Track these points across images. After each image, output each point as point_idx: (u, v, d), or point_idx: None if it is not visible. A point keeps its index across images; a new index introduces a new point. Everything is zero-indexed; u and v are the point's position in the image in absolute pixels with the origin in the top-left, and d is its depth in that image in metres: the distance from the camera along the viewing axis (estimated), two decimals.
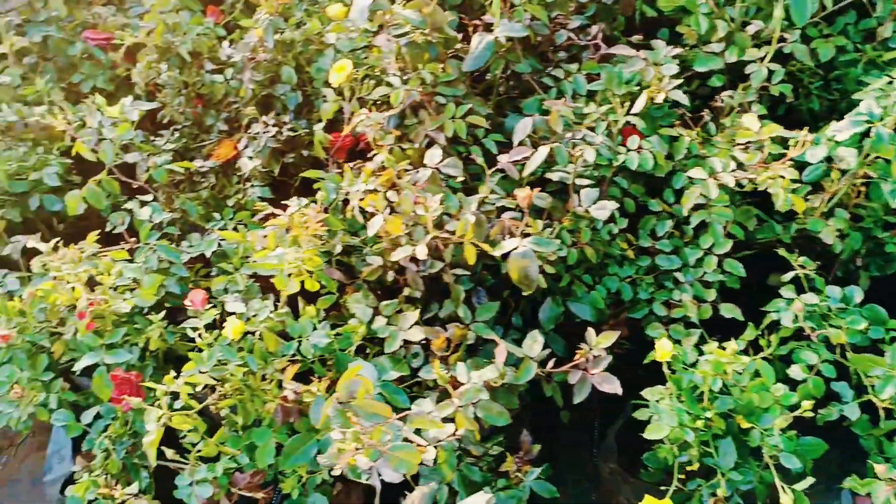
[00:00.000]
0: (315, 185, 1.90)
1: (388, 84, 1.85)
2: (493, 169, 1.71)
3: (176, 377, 1.44)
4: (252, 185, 1.96)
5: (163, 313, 1.67)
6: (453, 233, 1.57)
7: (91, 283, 1.61)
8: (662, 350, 1.45)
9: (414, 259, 1.58)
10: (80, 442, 1.69)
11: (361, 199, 1.60)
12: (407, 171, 1.66)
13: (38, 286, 1.60)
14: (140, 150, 1.93)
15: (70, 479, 1.74)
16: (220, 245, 1.79)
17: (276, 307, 1.61)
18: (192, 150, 2.18)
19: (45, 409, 1.62)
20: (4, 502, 2.10)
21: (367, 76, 1.93)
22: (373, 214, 1.59)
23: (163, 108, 2.11)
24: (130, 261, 1.67)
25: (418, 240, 1.57)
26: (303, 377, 1.55)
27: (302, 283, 1.54)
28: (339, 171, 1.95)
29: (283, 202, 1.72)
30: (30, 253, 1.84)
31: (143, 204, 1.85)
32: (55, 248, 1.62)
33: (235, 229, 1.91)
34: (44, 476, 1.78)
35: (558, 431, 1.93)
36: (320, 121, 2.07)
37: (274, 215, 1.66)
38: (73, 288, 1.55)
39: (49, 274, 1.61)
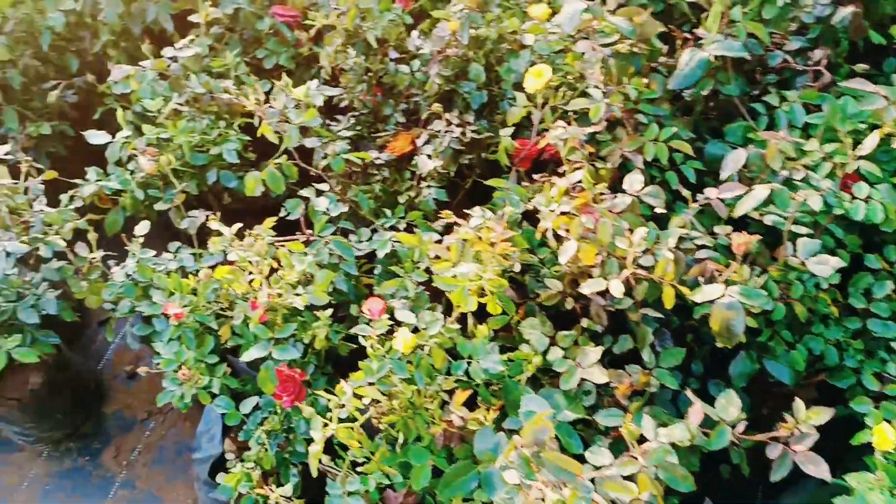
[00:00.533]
0: (495, 194, 1.82)
1: (587, 95, 1.73)
2: (696, 202, 1.56)
3: (342, 385, 1.38)
4: (428, 186, 1.88)
5: (330, 311, 1.62)
6: (650, 270, 1.44)
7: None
8: (882, 437, 1.28)
9: (601, 292, 1.47)
10: (230, 425, 1.68)
11: (554, 221, 1.50)
12: (603, 195, 1.54)
13: (214, 266, 1.58)
14: (318, 135, 1.89)
15: (218, 462, 1.74)
16: (392, 246, 1.72)
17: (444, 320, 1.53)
18: (366, 139, 2.13)
19: (207, 394, 1.61)
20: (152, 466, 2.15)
21: (561, 84, 1.82)
22: (564, 238, 1.48)
23: (344, 92, 2.06)
24: (305, 254, 1.63)
25: (610, 272, 1.46)
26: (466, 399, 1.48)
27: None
28: (522, 180, 1.86)
29: (464, 211, 1.64)
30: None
31: (320, 193, 1.82)
32: (239, 236, 1.59)
33: (407, 229, 1.84)
34: (192, 453, 1.78)
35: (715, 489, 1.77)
36: (503, 124, 1.98)
37: (456, 225, 1.58)
38: (252, 279, 1.52)
39: (226, 255, 1.59)
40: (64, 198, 1.90)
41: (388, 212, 1.91)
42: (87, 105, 2.36)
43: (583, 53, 1.76)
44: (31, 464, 2.17)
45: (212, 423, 1.82)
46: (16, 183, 1.74)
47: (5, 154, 1.75)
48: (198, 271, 1.83)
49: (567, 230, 1.48)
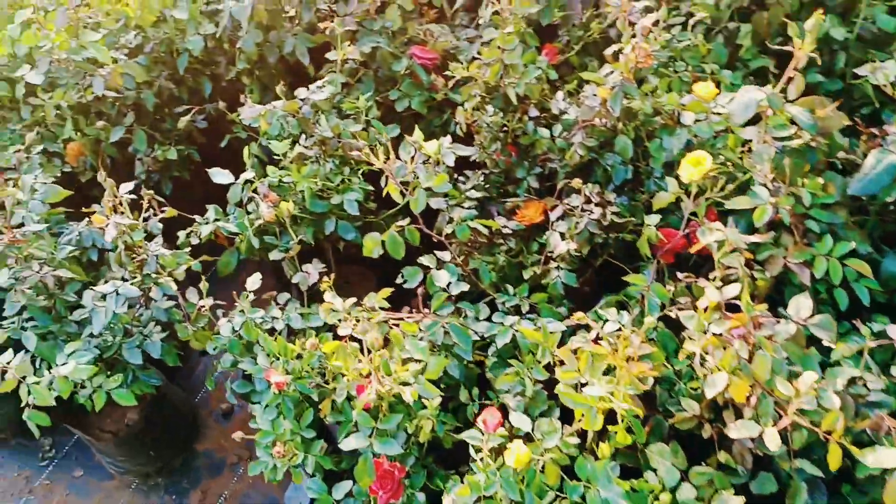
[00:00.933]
0: (631, 288, 1.65)
1: (749, 190, 1.54)
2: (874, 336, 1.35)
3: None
4: (557, 267, 1.73)
5: (438, 401, 1.50)
6: (811, 416, 1.24)
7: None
8: None
9: None
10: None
11: (703, 344, 1.32)
12: (762, 319, 1.35)
13: (321, 329, 1.49)
14: (449, 196, 1.77)
15: None
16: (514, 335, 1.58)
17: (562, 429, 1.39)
18: (493, 200, 2.00)
19: (300, 472, 1.52)
20: None
21: (720, 172, 1.63)
22: (712, 367, 1.30)
23: (478, 151, 1.93)
24: (419, 337, 1.51)
25: (765, 415, 1.27)
26: None
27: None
28: (664, 275, 1.68)
29: (598, 312, 1.48)
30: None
31: (441, 265, 1.70)
32: (351, 313, 1.49)
33: (530, 311, 1.70)
34: None
35: None
36: (646, 204, 1.81)
37: (587, 328, 1.43)
38: (359, 359, 1.41)
39: (335, 322, 1.50)
40: (181, 234, 1.86)
41: (510, 288, 1.77)
42: (214, 131, 2.34)
43: (749, 141, 1.58)
44: (121, 493, 2.16)
45: (301, 492, 1.73)
46: (136, 220, 1.69)
47: (129, 192, 1.71)
48: (305, 330, 1.75)
49: (716, 357, 1.30)
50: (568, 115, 1.88)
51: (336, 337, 1.55)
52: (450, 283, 1.65)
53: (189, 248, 1.85)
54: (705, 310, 1.38)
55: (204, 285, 1.71)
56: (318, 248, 2.04)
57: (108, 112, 2.19)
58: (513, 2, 1.89)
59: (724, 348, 1.32)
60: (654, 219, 1.66)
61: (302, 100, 1.94)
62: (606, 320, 1.45)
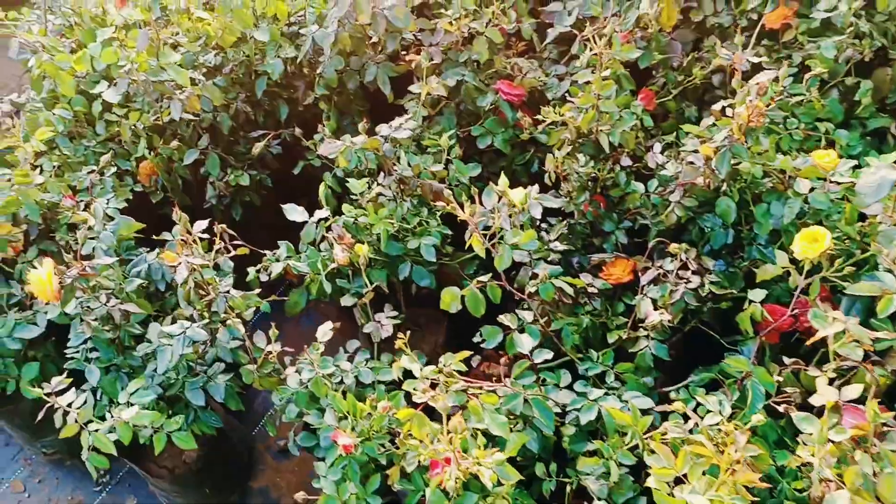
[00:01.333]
0: (729, 369, 1.53)
1: (873, 274, 1.40)
2: None
3: None
4: (647, 336, 1.62)
5: (514, 480, 1.40)
6: None
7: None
8: None
9: None
10: None
11: (819, 454, 1.19)
12: (888, 427, 1.22)
13: (391, 385, 1.41)
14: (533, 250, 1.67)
15: None
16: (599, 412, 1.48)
17: None
18: (577, 252, 1.89)
19: None
20: None
21: (839, 252, 1.50)
22: (829, 480, 1.18)
23: (565, 202, 1.83)
24: (498, 409, 1.41)
25: None
26: None
27: None
28: (767, 357, 1.56)
29: (697, 400, 1.36)
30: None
31: (522, 329, 1.60)
32: (427, 378, 1.40)
33: (616, 383, 1.59)
34: None
35: None
36: (746, 272, 1.69)
37: (685, 417, 1.31)
38: (437, 437, 1.32)
39: (411, 389, 1.41)
40: (251, 271, 1.79)
41: (593, 353, 1.66)
42: (288, 155, 2.28)
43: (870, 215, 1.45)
44: None
45: None
46: (207, 257, 1.63)
47: (202, 231, 1.65)
48: (374, 383, 1.67)
49: (834, 470, 1.18)
50: (666, 172, 1.75)
51: (410, 401, 1.46)
52: (534, 348, 1.55)
53: (258, 287, 1.79)
54: (821, 411, 1.25)
55: (273, 332, 1.64)
56: (391, 287, 1.96)
57: (183, 133, 2.14)
58: (613, 45, 1.78)
59: (844, 458, 1.20)
60: (759, 294, 1.53)
61: (384, 137, 1.86)
62: (707, 410, 1.33)
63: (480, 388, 1.47)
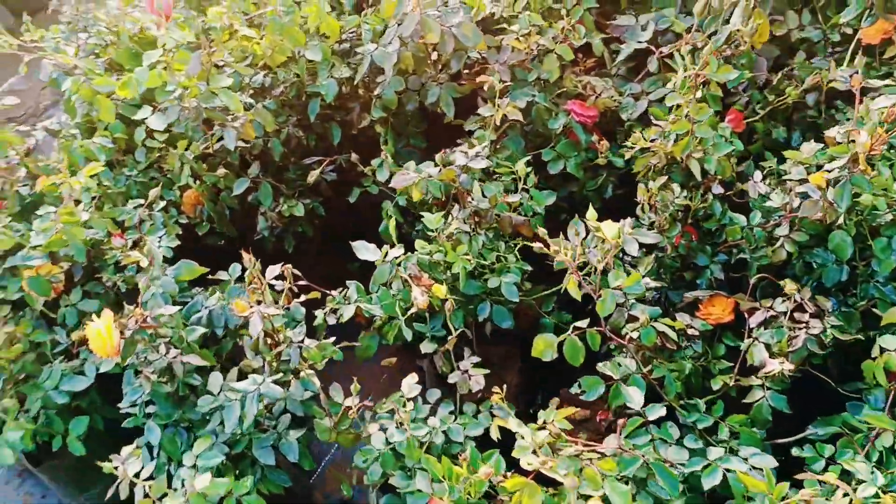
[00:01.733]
0: (858, 423, 1.40)
1: None
2: None
3: None
4: (761, 385, 1.49)
5: None
6: None
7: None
8: None
9: None
10: None
11: None
12: None
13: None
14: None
15: None
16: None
17: None
18: (666, 287, 1.76)
19: None
20: None
21: None
22: None
23: (660, 238, 1.70)
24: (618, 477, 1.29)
25: None
26: None
27: None
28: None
29: (817, 450, 1.24)
30: None
31: (627, 378, 1.47)
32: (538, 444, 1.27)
33: (722, 434, 1.47)
34: None
35: None
36: (863, 312, 1.56)
37: (833, 490, 1.19)
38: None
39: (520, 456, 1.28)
40: (319, 315, 1.66)
41: (699, 403, 1.54)
42: (340, 182, 2.14)
43: None
44: None
45: None
46: (279, 308, 1.50)
47: (275, 278, 1.52)
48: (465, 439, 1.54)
49: None
50: (772, 203, 1.63)
51: (518, 468, 1.33)
52: (639, 402, 1.42)
53: (325, 329, 1.66)
54: None
55: (355, 387, 1.51)
56: (467, 325, 1.83)
57: (232, 160, 2.01)
58: (708, 66, 1.66)
59: None
60: (891, 341, 1.41)
61: (459, 167, 1.73)
62: (859, 479, 1.21)
63: (594, 450, 1.34)
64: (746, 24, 1.77)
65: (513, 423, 1.32)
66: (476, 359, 1.64)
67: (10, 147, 1.97)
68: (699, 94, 1.70)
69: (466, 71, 2.05)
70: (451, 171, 1.71)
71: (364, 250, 1.67)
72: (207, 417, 1.63)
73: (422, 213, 2.00)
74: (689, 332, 1.62)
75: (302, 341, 1.53)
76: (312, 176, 2.01)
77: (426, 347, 1.64)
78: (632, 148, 1.74)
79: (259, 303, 1.54)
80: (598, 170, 2.04)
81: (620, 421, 1.38)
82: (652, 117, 1.88)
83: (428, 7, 1.82)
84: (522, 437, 1.30)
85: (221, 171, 2.03)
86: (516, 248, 1.78)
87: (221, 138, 1.89)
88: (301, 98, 2.11)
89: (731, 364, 1.60)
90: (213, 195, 2.09)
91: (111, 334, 1.42)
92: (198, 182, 2.05)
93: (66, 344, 1.75)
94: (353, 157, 2.03)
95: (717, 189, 1.76)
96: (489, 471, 1.36)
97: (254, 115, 1.92)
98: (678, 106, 1.72)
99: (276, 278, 1.53)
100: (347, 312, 1.65)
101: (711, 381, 1.60)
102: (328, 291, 1.71)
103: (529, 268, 1.77)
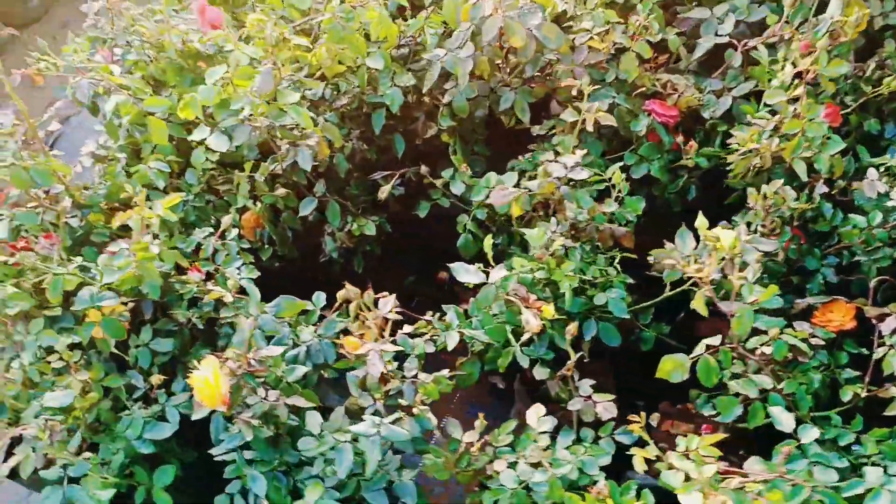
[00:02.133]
0: None
1: None
2: None
3: None
4: None
5: None
6: None
7: None
8: None
9: None
10: None
11: None
12: None
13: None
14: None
15: None
16: None
17: None
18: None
19: None
20: None
21: None
22: None
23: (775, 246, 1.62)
24: None
25: None
26: None
27: None
28: None
29: None
30: None
31: (765, 398, 1.40)
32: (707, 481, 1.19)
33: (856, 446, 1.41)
34: None
35: None
36: None
37: None
38: None
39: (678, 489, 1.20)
40: (417, 343, 1.57)
41: (833, 416, 1.47)
42: (406, 195, 2.04)
43: None
44: None
45: None
46: (391, 342, 1.41)
47: (391, 310, 1.42)
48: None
49: None
50: (892, 201, 1.56)
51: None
52: (795, 429, 1.35)
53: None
54: None
55: (481, 423, 1.42)
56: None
57: (298, 179, 1.89)
58: (819, 62, 1.58)
59: None
60: None
61: (558, 178, 1.64)
62: None
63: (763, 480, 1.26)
64: (844, 14, 1.70)
65: (673, 458, 1.24)
66: (591, 381, 1.56)
67: (56, 175, 1.84)
68: (800, 91, 1.63)
69: (537, 74, 1.96)
70: (552, 185, 1.62)
71: (464, 272, 1.58)
72: (306, 460, 1.54)
73: (494, 227, 1.92)
74: (813, 341, 1.56)
75: (416, 375, 1.43)
76: (384, 192, 1.91)
77: (540, 373, 1.55)
78: (726, 150, 1.66)
79: (362, 336, 1.45)
80: (678, 171, 1.97)
81: (785, 449, 1.31)
82: (741, 116, 1.82)
83: (509, 10, 1.72)
84: (684, 472, 1.22)
85: (282, 190, 1.92)
86: (616, 262, 1.70)
87: (288, 158, 1.78)
88: (361, 109, 2.00)
89: (859, 373, 1.54)
90: (272, 217, 1.98)
91: (219, 382, 1.31)
92: (257, 204, 1.94)
93: (143, 388, 1.63)
94: (423, 169, 1.94)
95: (822, 189, 1.70)
96: None
97: (321, 130, 1.81)
98: (783, 103, 1.65)
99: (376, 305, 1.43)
100: (451, 341, 1.56)
101: (841, 393, 1.53)
102: (424, 317, 1.62)
103: (632, 280, 1.69)
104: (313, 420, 1.50)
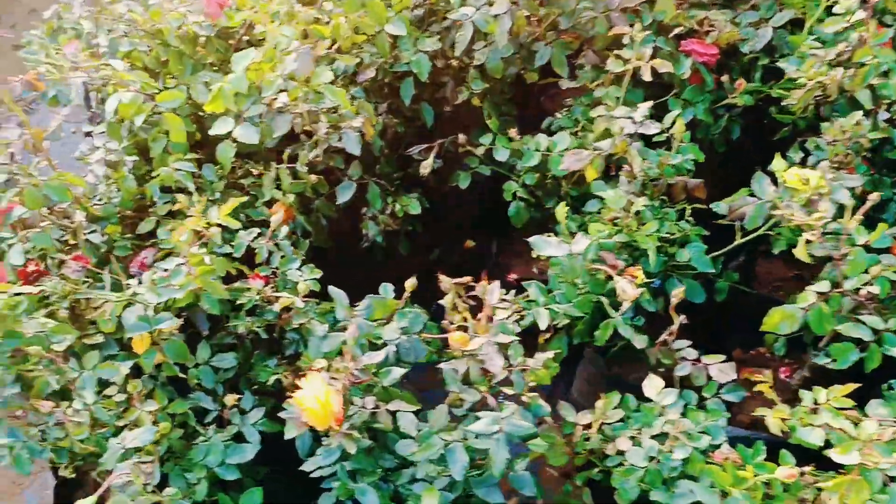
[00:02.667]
0: None
1: None
2: None
3: None
4: None
5: None
6: None
7: None
8: None
9: None
10: None
11: None
12: None
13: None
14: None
15: None
16: None
17: None
18: None
19: None
20: None
21: None
22: None
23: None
24: None
25: None
26: None
27: None
28: None
29: None
30: None
31: (880, 341, 1.37)
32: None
33: None
34: None
35: None
36: None
37: None
38: None
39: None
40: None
41: None
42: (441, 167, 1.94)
43: None
44: None
45: None
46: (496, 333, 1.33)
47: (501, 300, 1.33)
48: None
49: None
50: None
51: (825, 463, 1.23)
52: None
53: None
54: None
55: (604, 403, 1.36)
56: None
57: (335, 164, 1.77)
58: None
59: None
60: None
61: (629, 135, 1.56)
62: None
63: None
64: None
65: (826, 416, 1.21)
66: (688, 342, 1.51)
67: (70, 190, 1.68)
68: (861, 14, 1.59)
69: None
70: (624, 142, 1.55)
71: (545, 245, 1.50)
72: (404, 463, 1.46)
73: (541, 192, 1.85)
74: None
75: (523, 362, 1.36)
76: (425, 167, 1.81)
77: (639, 342, 1.50)
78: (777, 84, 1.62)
79: (464, 329, 1.37)
80: (717, 111, 1.92)
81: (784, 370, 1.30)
82: (781, 47, 1.77)
83: None
84: (843, 431, 1.19)
85: (314, 177, 1.80)
86: (688, 215, 1.65)
87: (328, 143, 1.66)
88: (385, 80, 1.88)
89: None
90: (303, 206, 1.85)
91: (330, 402, 1.21)
92: (286, 196, 1.81)
93: (214, 410, 1.52)
94: (462, 137, 1.84)
95: (884, 115, 1.67)
96: (790, 472, 1.25)
97: (356, 109, 1.69)
98: (844, 29, 1.60)
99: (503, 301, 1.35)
100: (542, 319, 1.49)
101: None
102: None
103: (706, 233, 1.64)
104: (408, 422, 1.42)
